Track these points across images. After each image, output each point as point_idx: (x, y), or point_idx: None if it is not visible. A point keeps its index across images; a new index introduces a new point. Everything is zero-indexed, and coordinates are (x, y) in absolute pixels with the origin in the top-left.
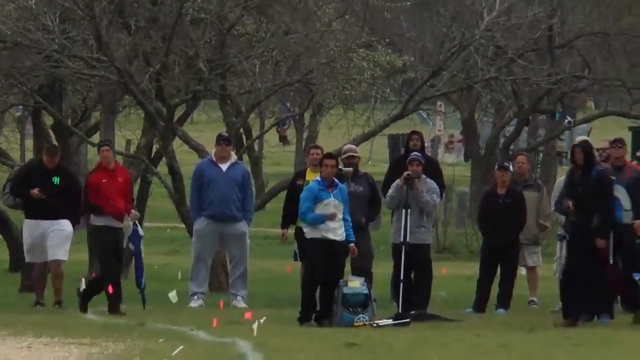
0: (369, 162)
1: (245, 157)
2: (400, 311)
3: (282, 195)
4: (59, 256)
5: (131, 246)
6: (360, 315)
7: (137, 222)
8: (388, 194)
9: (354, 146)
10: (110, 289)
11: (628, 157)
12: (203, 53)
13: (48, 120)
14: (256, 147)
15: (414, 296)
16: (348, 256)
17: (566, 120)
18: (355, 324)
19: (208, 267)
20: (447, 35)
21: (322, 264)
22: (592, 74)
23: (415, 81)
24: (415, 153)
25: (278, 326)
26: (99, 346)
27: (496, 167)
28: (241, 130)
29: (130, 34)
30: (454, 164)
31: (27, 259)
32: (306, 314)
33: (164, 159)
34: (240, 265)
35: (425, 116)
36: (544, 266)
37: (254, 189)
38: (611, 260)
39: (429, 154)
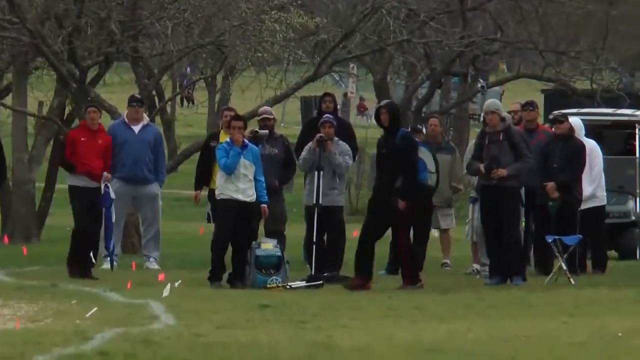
0: (282, 125)
1: (158, 119)
2: (313, 273)
3: (195, 157)
4: None
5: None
6: (274, 277)
7: (108, 184)
8: (301, 156)
9: (269, 108)
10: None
11: (541, 120)
12: (115, 15)
13: None
14: (168, 109)
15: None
16: (261, 218)
17: (479, 84)
18: (268, 285)
19: (121, 228)
20: None
21: (231, 225)
22: (505, 36)
23: (328, 43)
24: (328, 115)
25: (191, 288)
26: (11, 307)
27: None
28: (154, 92)
29: None
30: (367, 126)
31: None
32: (215, 274)
33: (76, 120)
34: (153, 226)
35: (337, 78)
36: (457, 228)
37: (166, 151)
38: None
39: (341, 116)
